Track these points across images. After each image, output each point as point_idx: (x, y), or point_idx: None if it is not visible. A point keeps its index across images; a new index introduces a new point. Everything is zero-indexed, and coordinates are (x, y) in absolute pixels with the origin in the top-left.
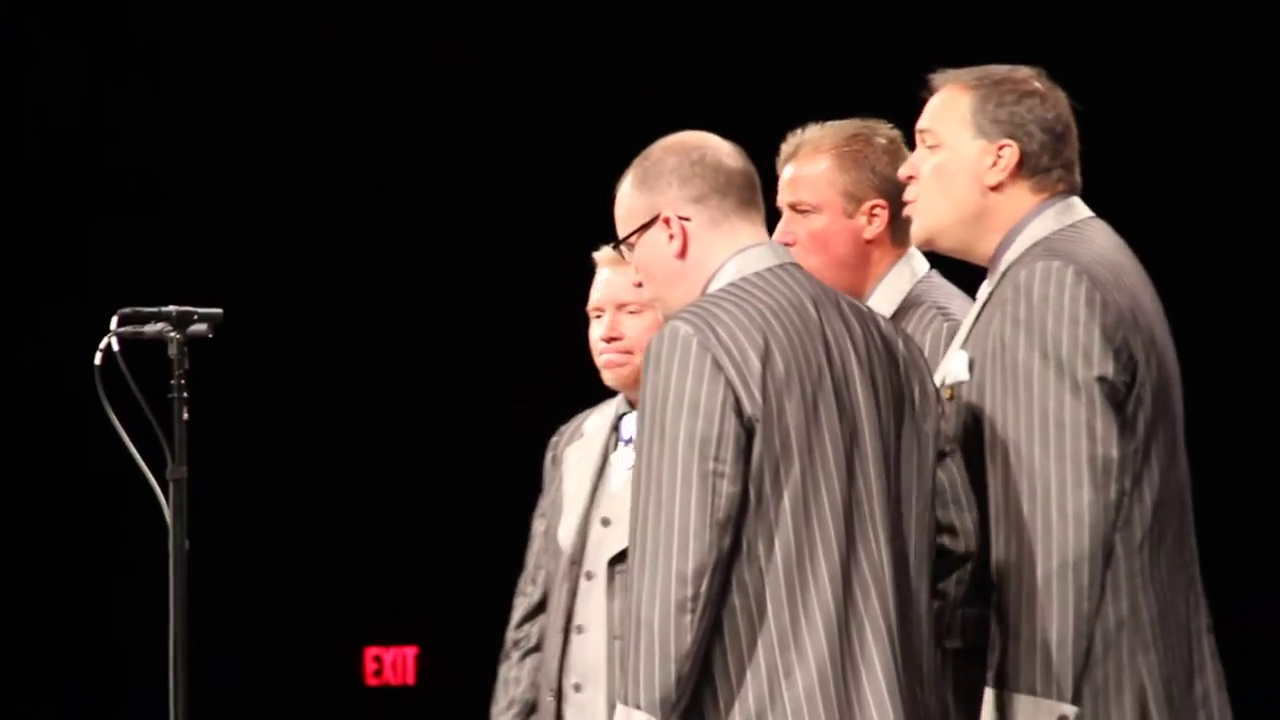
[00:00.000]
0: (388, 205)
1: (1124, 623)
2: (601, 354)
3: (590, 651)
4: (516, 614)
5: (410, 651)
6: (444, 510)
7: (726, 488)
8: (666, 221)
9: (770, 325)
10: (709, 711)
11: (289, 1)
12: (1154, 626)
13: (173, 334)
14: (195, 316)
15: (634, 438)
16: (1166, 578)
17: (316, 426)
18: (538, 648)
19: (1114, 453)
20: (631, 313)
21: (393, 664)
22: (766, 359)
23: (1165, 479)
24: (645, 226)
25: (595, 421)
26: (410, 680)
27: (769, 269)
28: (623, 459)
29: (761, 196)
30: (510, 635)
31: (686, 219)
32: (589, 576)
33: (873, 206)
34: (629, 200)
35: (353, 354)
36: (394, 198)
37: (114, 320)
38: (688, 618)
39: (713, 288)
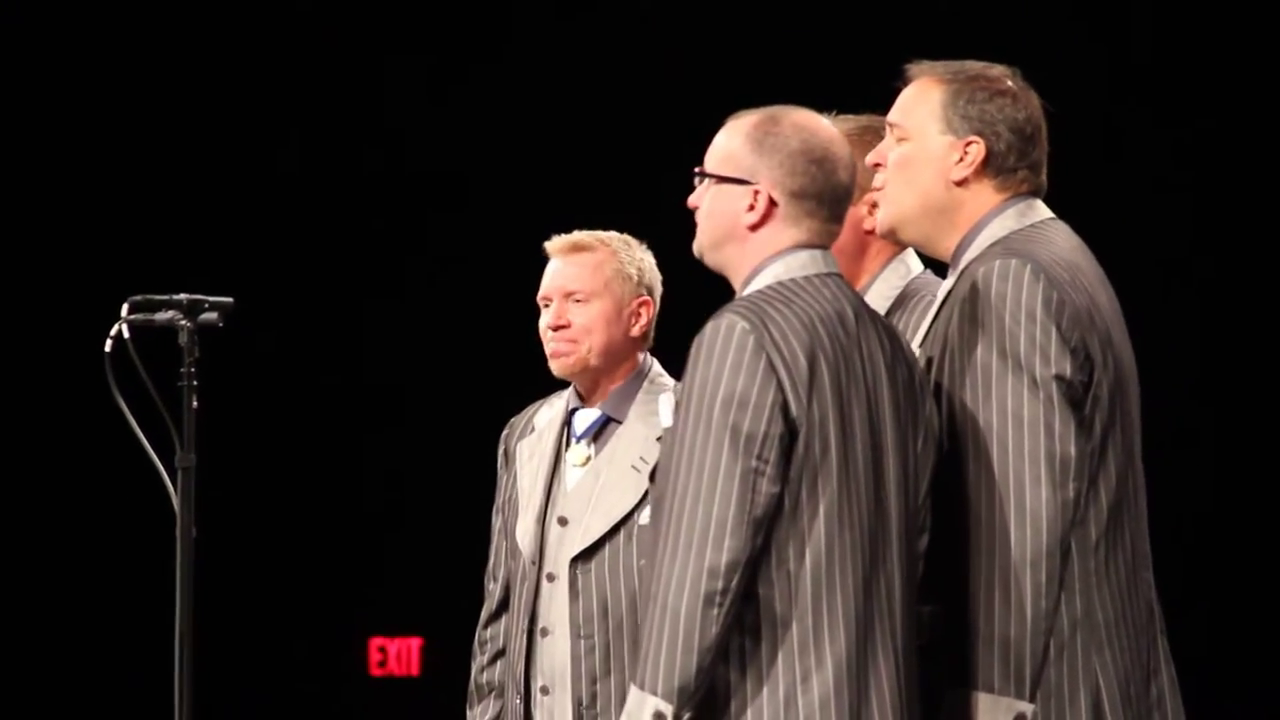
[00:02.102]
0: (395, 193)
1: (1078, 622)
2: (549, 342)
3: (557, 654)
4: (483, 613)
5: (415, 643)
6: (449, 501)
7: (767, 487)
8: (756, 193)
9: (818, 332)
10: (722, 707)
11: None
12: (1109, 627)
13: (183, 322)
14: (206, 305)
15: (675, 423)
16: (1123, 579)
17: (325, 416)
18: (504, 650)
19: (1072, 450)
20: (578, 301)
21: (397, 655)
22: (814, 365)
23: (1121, 480)
24: (736, 181)
25: (546, 415)
26: (415, 671)
27: (817, 275)
28: (575, 455)
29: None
30: (478, 635)
31: (775, 204)
32: (550, 578)
33: (873, 204)
34: (735, 148)
35: (362, 344)
36: (401, 186)
37: (125, 307)
38: (715, 610)
39: (758, 278)
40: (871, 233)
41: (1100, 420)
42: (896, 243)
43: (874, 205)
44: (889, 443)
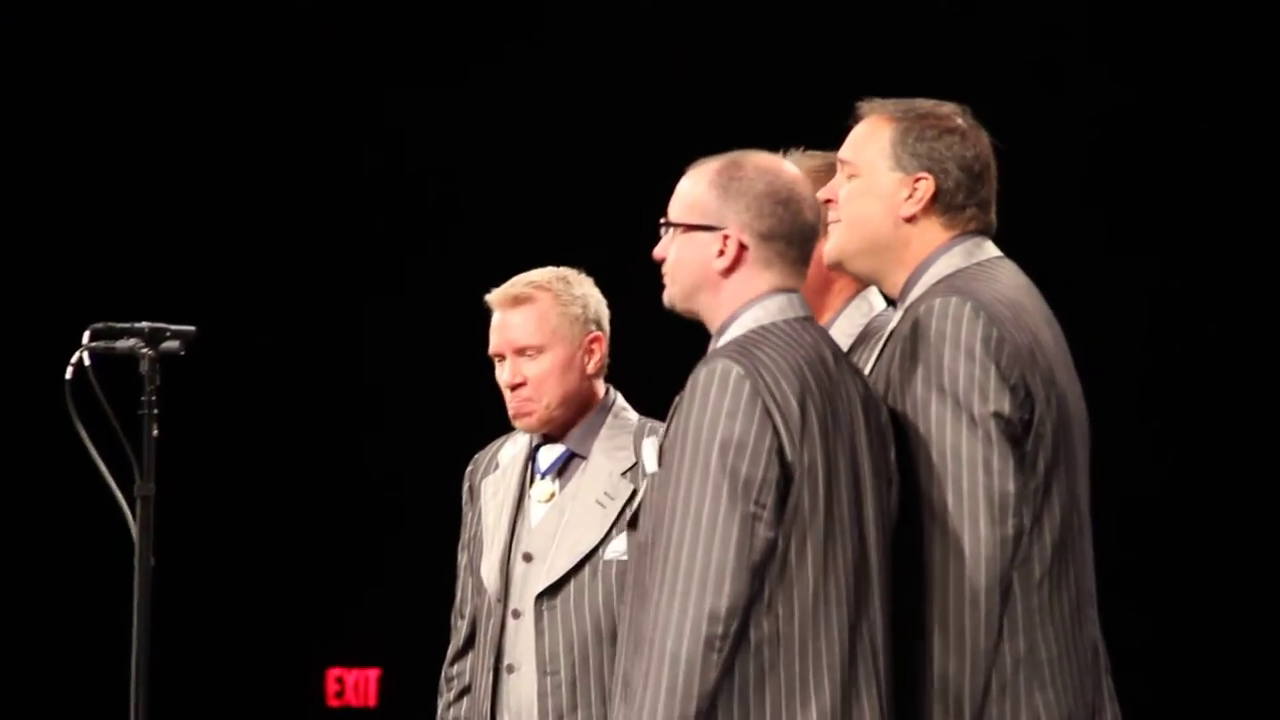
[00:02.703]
0: (366, 221)
1: (1021, 660)
2: (509, 401)
3: (523, 690)
4: (450, 650)
5: (373, 673)
6: (410, 532)
7: (764, 531)
8: (725, 238)
9: (806, 377)
10: None
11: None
12: (1053, 665)
13: (145, 350)
14: (168, 333)
15: (666, 467)
16: (1067, 617)
17: (284, 446)
18: (469, 688)
19: (1011, 487)
20: (529, 356)
21: (355, 685)
22: (805, 409)
23: (1066, 519)
24: (704, 228)
25: (510, 451)
26: (372, 702)
27: (797, 319)
28: (540, 491)
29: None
30: (445, 671)
31: (745, 248)
32: (516, 615)
33: None
34: (700, 194)
35: (323, 373)
36: (369, 211)
37: (86, 335)
38: (714, 655)
39: (736, 324)
40: (833, 269)
41: (1044, 458)
42: (852, 277)
43: None
44: (868, 486)
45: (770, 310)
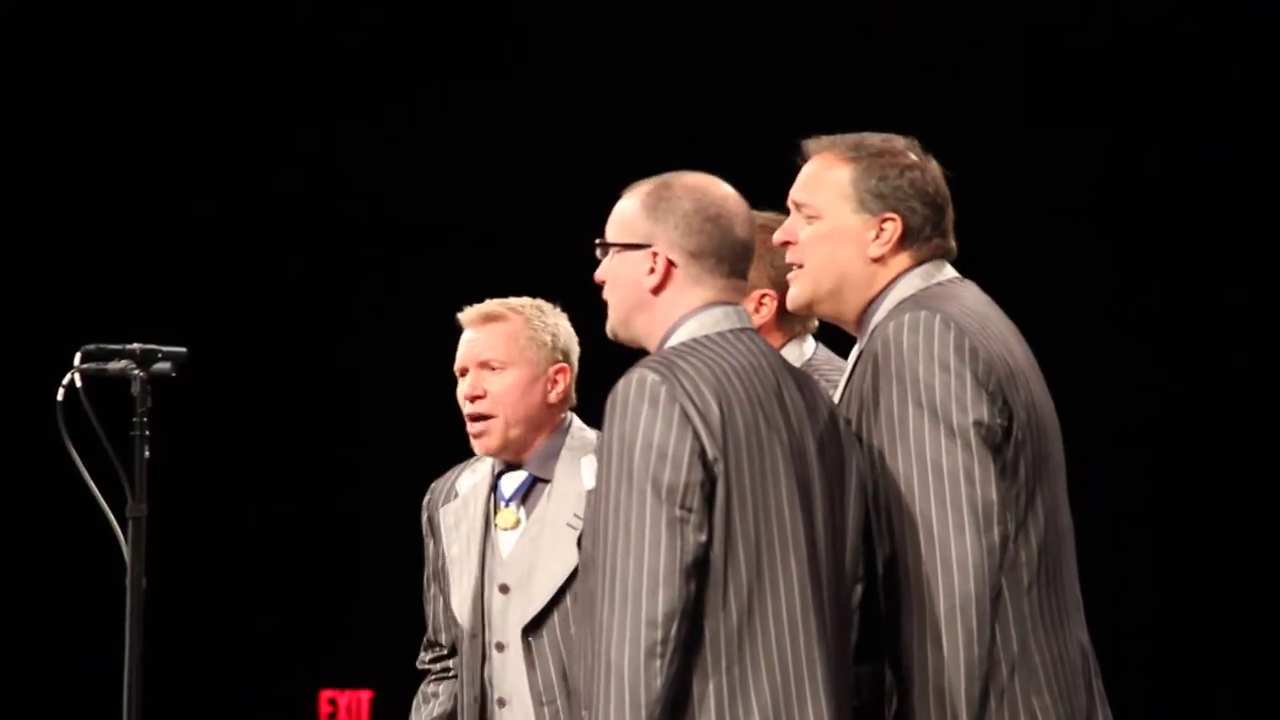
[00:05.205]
0: (357, 244)
1: (1016, 665)
2: (468, 418)
3: None
4: (426, 682)
5: (365, 695)
6: (402, 554)
7: (693, 535)
8: (654, 255)
9: (731, 383)
10: None
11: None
12: (1046, 669)
13: (136, 371)
14: (159, 355)
15: (597, 481)
16: (1057, 621)
17: (276, 466)
18: (452, 715)
19: (993, 495)
20: (493, 370)
21: (347, 707)
22: (726, 413)
23: (1050, 523)
24: (633, 247)
25: (469, 480)
26: None
27: (732, 330)
28: (505, 519)
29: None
30: (422, 690)
31: (675, 264)
32: (500, 648)
33: (762, 295)
34: (630, 215)
35: (313, 396)
36: (360, 235)
37: (77, 356)
38: (658, 662)
39: (674, 338)
40: (760, 329)
41: (1024, 463)
42: (806, 316)
43: (760, 301)
44: (817, 492)
45: (705, 323)
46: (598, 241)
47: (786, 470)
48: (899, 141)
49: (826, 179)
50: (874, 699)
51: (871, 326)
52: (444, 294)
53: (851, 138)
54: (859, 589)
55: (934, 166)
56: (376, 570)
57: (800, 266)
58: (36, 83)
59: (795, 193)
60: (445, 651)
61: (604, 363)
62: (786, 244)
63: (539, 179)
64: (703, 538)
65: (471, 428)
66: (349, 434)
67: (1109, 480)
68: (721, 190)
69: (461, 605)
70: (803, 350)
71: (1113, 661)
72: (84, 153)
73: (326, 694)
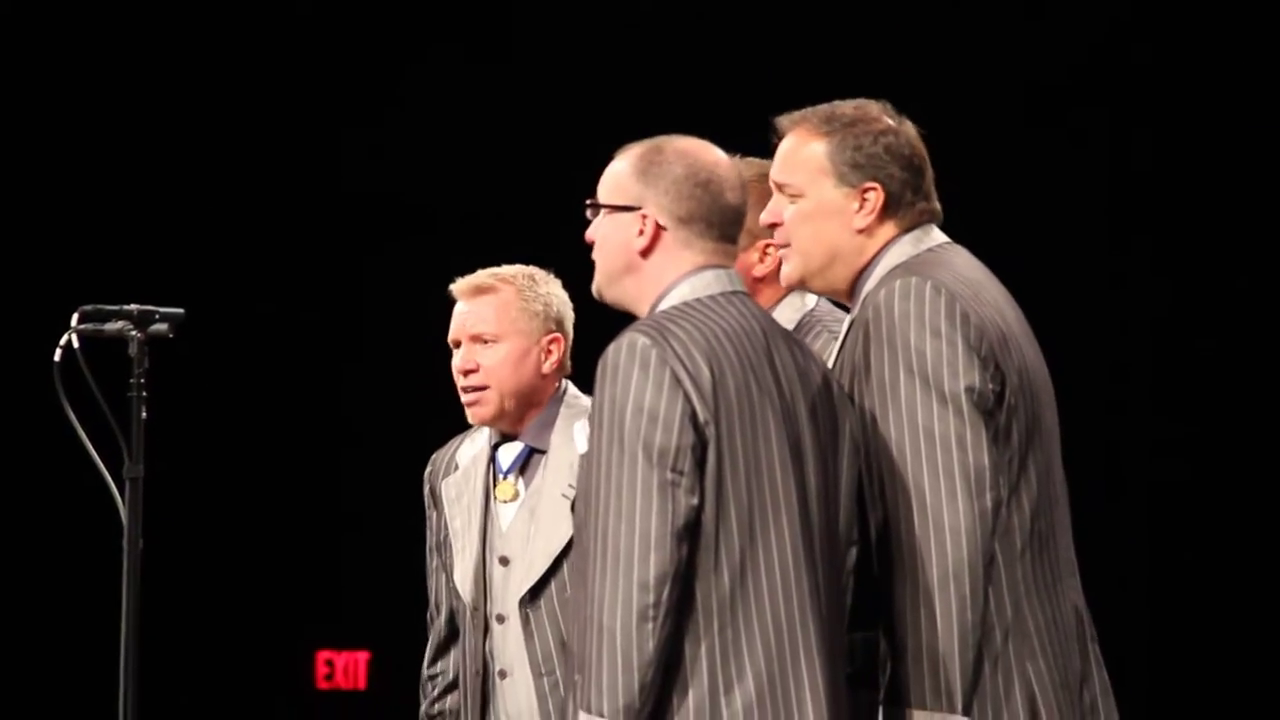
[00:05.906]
0: (355, 206)
1: (1010, 631)
2: (461, 389)
3: (520, 694)
4: (429, 649)
5: (362, 656)
6: (399, 514)
7: (685, 498)
8: (644, 218)
9: (722, 345)
10: None
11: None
12: (1040, 635)
13: (134, 332)
14: (156, 316)
15: (589, 445)
16: (1051, 586)
17: (274, 428)
18: (455, 683)
19: (985, 461)
20: (485, 343)
21: (344, 668)
22: (718, 376)
23: (1043, 488)
24: (624, 208)
25: (469, 451)
26: (361, 685)
27: (722, 294)
28: (504, 491)
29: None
30: (425, 671)
31: (664, 228)
32: (500, 620)
33: (765, 246)
34: (621, 177)
35: (311, 356)
36: (358, 196)
37: (75, 317)
38: (649, 625)
39: (665, 302)
40: (762, 279)
41: (1017, 429)
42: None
43: (765, 251)
44: (809, 453)
45: (697, 287)
46: (588, 201)
47: (778, 433)
48: (872, 107)
49: (803, 155)
50: (867, 666)
51: (863, 294)
52: (443, 258)
53: (823, 109)
54: (853, 551)
55: (909, 128)
56: (373, 531)
57: (789, 245)
58: (33, 47)
59: (775, 173)
60: (445, 637)
61: (599, 331)
62: (773, 225)
63: (537, 158)
64: (694, 501)
65: (466, 398)
66: (347, 395)
67: (1108, 462)
68: (713, 155)
69: (464, 579)
70: (805, 301)
71: (1111, 624)
72: (81, 114)
73: (323, 655)
